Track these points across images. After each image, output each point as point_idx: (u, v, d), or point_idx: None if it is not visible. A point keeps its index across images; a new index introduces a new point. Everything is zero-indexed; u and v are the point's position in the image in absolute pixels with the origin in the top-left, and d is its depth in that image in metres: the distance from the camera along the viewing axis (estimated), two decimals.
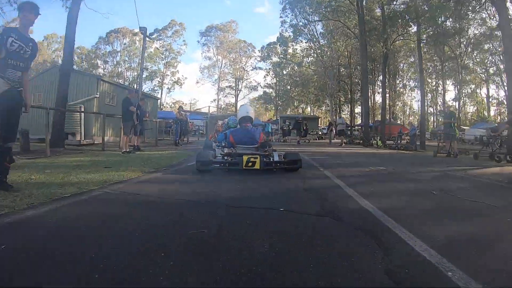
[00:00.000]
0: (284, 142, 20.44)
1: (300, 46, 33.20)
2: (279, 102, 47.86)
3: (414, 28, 25.50)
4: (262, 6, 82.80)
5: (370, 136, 20.81)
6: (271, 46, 42.05)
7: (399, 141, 18.21)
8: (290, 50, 39.90)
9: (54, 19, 65.02)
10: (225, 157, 5.03)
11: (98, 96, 14.11)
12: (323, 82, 34.57)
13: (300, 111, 48.46)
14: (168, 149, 10.52)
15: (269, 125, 19.84)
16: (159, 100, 45.75)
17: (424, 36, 21.53)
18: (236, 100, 50.07)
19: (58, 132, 10.69)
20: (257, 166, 4.70)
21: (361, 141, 20.67)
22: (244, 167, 4.68)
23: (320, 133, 28.20)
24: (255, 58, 48.80)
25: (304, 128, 20.49)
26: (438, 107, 48.33)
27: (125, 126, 9.00)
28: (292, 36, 30.73)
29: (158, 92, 46.53)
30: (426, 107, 49.34)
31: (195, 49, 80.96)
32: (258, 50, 46.10)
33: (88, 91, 14.26)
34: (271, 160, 5.04)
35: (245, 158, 4.72)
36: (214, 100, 49.10)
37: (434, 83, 47.56)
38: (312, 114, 44.41)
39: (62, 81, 11.06)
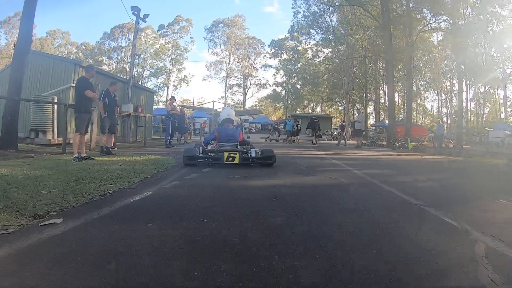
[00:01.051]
0: (292, 142, 17.34)
1: (314, 40, 29.67)
2: (288, 101, 44.28)
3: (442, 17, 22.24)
4: (271, 6, 79.12)
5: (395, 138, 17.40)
6: (281, 41, 38.60)
7: (436, 144, 14.56)
8: (300, 48, 36.44)
9: (57, 16, 63.21)
10: (209, 153, 5.22)
11: (74, 85, 11.01)
12: (337, 79, 31.06)
13: (310, 110, 44.91)
14: (151, 153, 7.35)
15: (291, 122, 16.62)
16: (164, 97, 43.04)
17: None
18: (245, 98, 46.66)
19: (9, 129, 7.70)
20: (236, 161, 4.98)
21: (386, 143, 17.37)
22: (225, 162, 4.95)
23: (335, 133, 24.75)
24: (265, 55, 45.31)
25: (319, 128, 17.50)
26: (454, 109, 44.61)
27: (78, 120, 5.87)
28: (305, 25, 27.23)
29: (163, 90, 43.60)
30: (439, 107, 45.74)
31: (203, 49, 77.86)
32: (268, 46, 42.51)
33: (64, 79, 11.20)
34: (249, 156, 5.25)
35: (226, 154, 5.01)
36: (222, 97, 45.77)
37: (448, 83, 43.78)
38: (322, 113, 40.83)
39: (17, 63, 8.04)
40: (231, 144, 5.61)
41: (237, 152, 5.05)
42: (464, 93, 38.92)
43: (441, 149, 12.89)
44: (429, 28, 21.90)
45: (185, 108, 18.93)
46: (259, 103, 49.33)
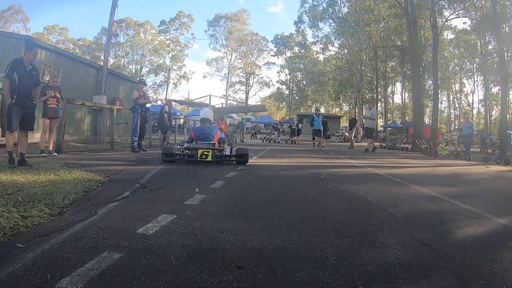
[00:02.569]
0: (292, 143, 15.14)
1: (323, 32, 26.53)
2: (292, 100, 40.95)
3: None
4: (276, 6, 75.83)
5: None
6: (286, 38, 35.36)
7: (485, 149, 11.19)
8: (307, 42, 33.20)
9: (57, 13, 60.88)
10: (186, 151, 5.22)
11: None
12: (345, 78, 27.92)
13: (313, 110, 41.72)
14: (93, 165, 4.33)
15: (320, 119, 13.60)
16: (163, 95, 39.84)
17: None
18: (247, 97, 43.45)
19: None
20: (209, 159, 4.95)
21: (410, 146, 14.22)
22: (198, 159, 4.92)
23: (346, 134, 21.58)
24: (268, 52, 42.05)
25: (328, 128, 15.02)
26: (463, 110, 41.44)
27: None
28: (316, 11, 24.08)
29: (163, 88, 40.53)
30: (448, 109, 42.45)
31: (205, 49, 73.95)
32: (271, 42, 39.18)
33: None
34: (223, 153, 5.24)
35: (199, 151, 4.99)
36: (224, 95, 42.55)
37: (457, 84, 40.61)
38: (327, 113, 37.61)
39: None
40: (208, 143, 5.49)
41: (210, 150, 5.03)
42: (473, 94, 35.85)
43: (472, 155, 9.37)
44: (456, 16, 18.92)
45: (173, 102, 15.86)
46: (261, 102, 46.20)
